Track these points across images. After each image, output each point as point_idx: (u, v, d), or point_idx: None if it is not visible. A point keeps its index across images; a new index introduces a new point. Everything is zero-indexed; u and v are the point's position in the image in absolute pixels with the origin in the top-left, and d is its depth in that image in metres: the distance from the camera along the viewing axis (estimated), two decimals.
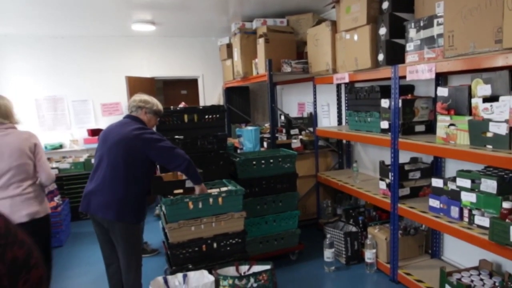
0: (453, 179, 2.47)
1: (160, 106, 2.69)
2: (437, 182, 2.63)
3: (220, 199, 2.92)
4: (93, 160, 4.17)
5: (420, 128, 2.99)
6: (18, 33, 5.24)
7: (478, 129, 2.23)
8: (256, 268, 2.89)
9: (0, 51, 5.32)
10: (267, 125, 5.14)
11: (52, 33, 5.34)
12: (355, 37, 3.22)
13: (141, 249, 3.51)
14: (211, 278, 2.64)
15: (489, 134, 2.16)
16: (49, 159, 5.10)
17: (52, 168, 4.55)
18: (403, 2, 2.90)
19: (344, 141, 4.53)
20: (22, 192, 2.37)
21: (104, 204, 2.38)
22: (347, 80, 3.47)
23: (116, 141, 2.42)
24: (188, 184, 2.79)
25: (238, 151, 4.73)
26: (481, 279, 2.51)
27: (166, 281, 2.65)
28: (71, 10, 4.14)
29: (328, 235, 3.54)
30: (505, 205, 2.06)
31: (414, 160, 3.24)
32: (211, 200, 2.89)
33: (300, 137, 4.53)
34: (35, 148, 2.45)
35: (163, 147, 2.45)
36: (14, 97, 5.34)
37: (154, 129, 3.31)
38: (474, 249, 2.43)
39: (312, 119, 4.61)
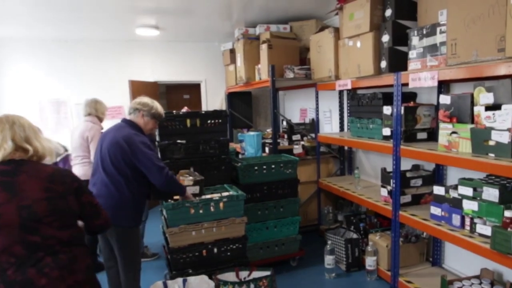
0: (455, 187, 2.47)
1: (160, 110, 2.65)
2: (438, 190, 2.63)
3: (221, 204, 2.92)
4: None
5: (422, 135, 2.99)
6: (23, 36, 5.27)
7: (480, 137, 2.23)
8: (256, 274, 2.89)
9: (5, 54, 5.36)
10: (269, 130, 5.14)
11: (56, 36, 5.37)
12: (358, 44, 3.23)
13: (141, 253, 3.51)
14: (211, 284, 2.63)
15: (491, 143, 2.16)
16: None
17: None
18: (406, 10, 2.92)
19: (345, 148, 4.53)
20: (80, 162, 3.63)
21: None
22: (349, 87, 3.48)
23: (108, 146, 2.45)
24: (189, 190, 2.78)
25: (240, 156, 4.73)
26: None
27: (166, 286, 2.64)
28: (75, 13, 4.17)
29: (329, 242, 3.53)
30: (507, 213, 2.05)
31: (415, 168, 3.24)
32: (212, 205, 2.89)
33: (302, 143, 4.53)
34: (88, 136, 3.57)
35: (147, 160, 2.43)
36: (18, 99, 5.40)
37: (157, 133, 3.33)
38: (475, 257, 2.42)
39: (314, 125, 4.62)
